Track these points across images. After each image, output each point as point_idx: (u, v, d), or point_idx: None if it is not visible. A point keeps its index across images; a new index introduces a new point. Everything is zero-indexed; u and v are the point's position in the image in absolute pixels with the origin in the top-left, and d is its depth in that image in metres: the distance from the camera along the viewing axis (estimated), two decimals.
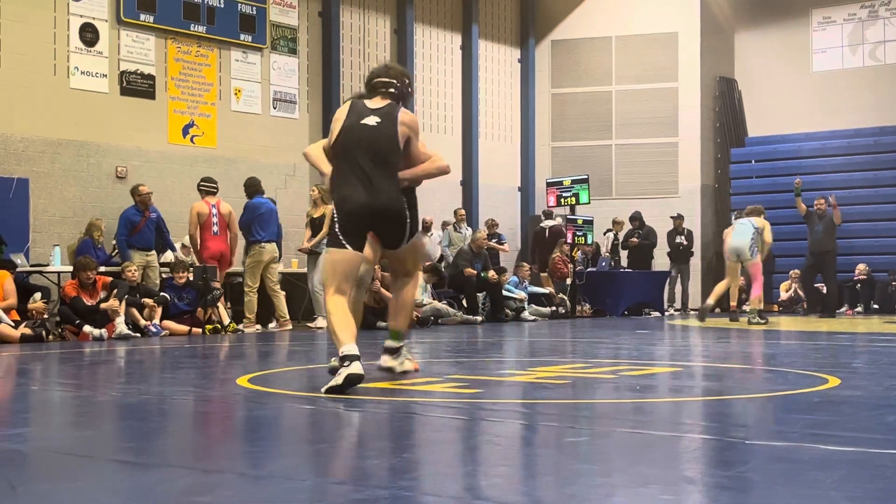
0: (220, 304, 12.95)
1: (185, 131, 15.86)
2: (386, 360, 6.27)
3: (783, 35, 22.87)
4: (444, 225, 18.55)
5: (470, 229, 18.12)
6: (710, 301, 15.13)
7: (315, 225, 14.04)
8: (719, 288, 15.23)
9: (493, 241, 18.08)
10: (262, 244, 13.57)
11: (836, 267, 17.91)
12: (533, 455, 3.79)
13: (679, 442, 3.87)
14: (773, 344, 10.64)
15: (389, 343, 6.24)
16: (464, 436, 4.11)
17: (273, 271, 13.72)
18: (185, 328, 12.40)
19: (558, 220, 19.08)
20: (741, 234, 14.83)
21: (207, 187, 13.62)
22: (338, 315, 5.59)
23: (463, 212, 18.50)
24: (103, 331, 11.33)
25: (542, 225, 19.18)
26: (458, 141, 20.82)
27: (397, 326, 6.24)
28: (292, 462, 3.50)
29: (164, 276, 13.46)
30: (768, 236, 14.92)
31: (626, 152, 22.38)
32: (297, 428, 4.46)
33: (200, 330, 12.47)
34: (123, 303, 11.70)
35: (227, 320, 12.93)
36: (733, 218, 15.15)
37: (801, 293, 20.37)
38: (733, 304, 15.46)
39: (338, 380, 5.31)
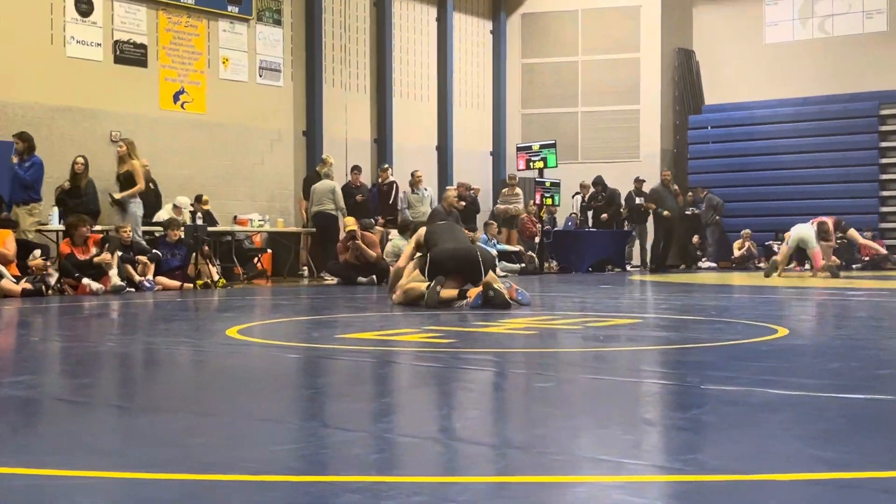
0: (209, 261, 12.90)
1: (176, 98, 15.72)
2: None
3: (738, 9, 22.85)
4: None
5: (428, 190, 17.83)
6: (779, 266, 15.63)
7: (123, 180, 12.92)
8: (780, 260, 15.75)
9: (461, 202, 17.84)
10: (40, 204, 12.32)
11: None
12: (503, 399, 3.81)
13: (639, 387, 3.90)
14: (726, 297, 10.72)
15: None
16: (439, 382, 4.12)
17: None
18: (177, 283, 12.35)
19: (392, 178, 17.65)
20: (808, 229, 15.27)
21: None
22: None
23: (420, 174, 18.08)
24: (100, 285, 11.27)
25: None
26: (433, 108, 20.73)
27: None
28: (280, 406, 3.50)
29: (157, 234, 13.38)
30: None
31: (591, 119, 22.37)
32: (283, 375, 4.46)
33: (191, 285, 12.42)
34: (116, 256, 11.63)
35: (216, 277, 12.88)
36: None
37: (753, 250, 20.51)
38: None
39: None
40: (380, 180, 17.47)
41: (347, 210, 15.98)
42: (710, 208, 20.95)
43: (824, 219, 15.75)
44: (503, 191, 19.56)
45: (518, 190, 19.29)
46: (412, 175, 17.76)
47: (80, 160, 13.03)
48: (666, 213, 19.42)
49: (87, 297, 10.86)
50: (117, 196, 12.91)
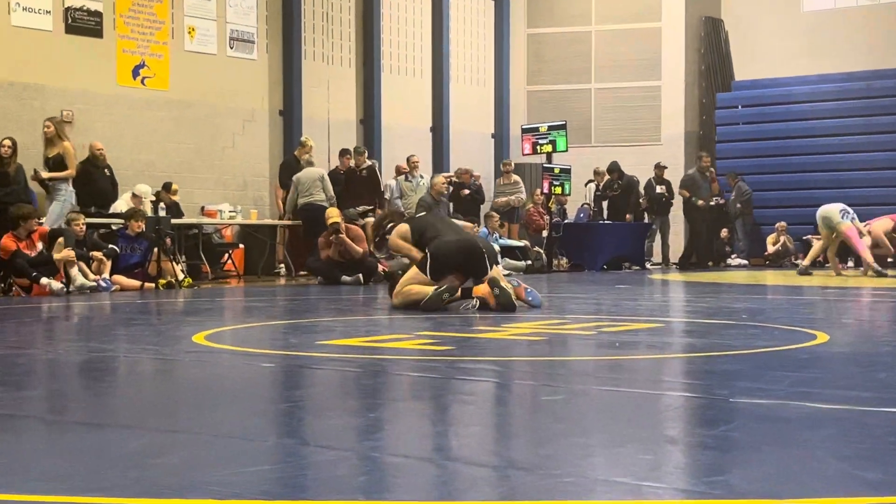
0: (172, 258, 12.89)
1: (136, 73, 15.70)
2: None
3: None
4: (398, 171, 17.96)
5: (424, 177, 17.77)
6: (806, 262, 15.91)
7: (53, 165, 12.84)
8: (814, 250, 16.06)
9: (464, 190, 17.87)
10: None
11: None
12: (507, 414, 3.81)
13: (659, 400, 3.90)
14: (758, 299, 10.73)
15: None
16: (434, 394, 4.12)
17: None
18: (136, 283, 12.33)
19: (370, 162, 17.16)
20: (831, 204, 15.40)
21: None
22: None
23: (417, 159, 17.98)
24: (61, 284, 11.22)
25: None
26: (427, 84, 20.72)
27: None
28: (252, 422, 3.50)
29: (113, 227, 13.37)
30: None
31: (606, 97, 22.37)
32: (257, 387, 4.46)
33: (153, 285, 12.41)
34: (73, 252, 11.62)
35: (181, 276, 12.86)
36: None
37: (789, 245, 20.52)
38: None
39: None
40: (354, 165, 16.79)
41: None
42: (737, 197, 20.96)
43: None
44: (497, 180, 19.42)
45: (516, 177, 19.16)
46: (408, 160, 17.73)
47: (7, 142, 12.62)
48: (700, 202, 19.32)
49: (39, 298, 10.84)
50: (44, 175, 12.73)
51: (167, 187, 14.76)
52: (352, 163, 16.55)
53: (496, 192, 19.19)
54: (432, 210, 15.26)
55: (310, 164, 15.64)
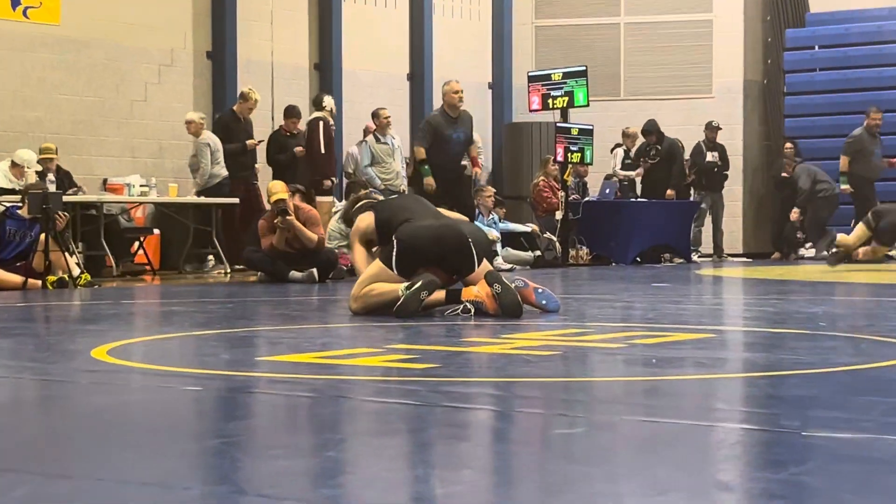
0: (66, 248, 12.86)
1: (16, 1, 15.65)
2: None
3: None
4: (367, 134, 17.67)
5: (397, 138, 17.52)
6: None
7: None
8: None
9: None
10: None
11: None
12: (508, 453, 3.82)
13: (710, 434, 3.92)
14: (841, 301, 10.75)
15: None
16: (412, 427, 4.13)
17: None
18: (18, 279, 12.29)
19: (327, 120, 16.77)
20: None
21: None
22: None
23: (388, 114, 17.73)
24: None
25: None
26: (404, 18, 20.69)
27: None
28: (172, 464, 3.50)
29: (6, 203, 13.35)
30: None
31: (639, 34, 22.36)
32: (178, 418, 4.46)
33: (39, 283, 12.37)
34: None
35: (76, 270, 12.81)
36: None
37: None
38: None
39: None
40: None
41: (278, 170, 15.88)
42: (803, 172, 20.72)
43: None
44: None
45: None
46: (376, 116, 17.53)
47: None
48: (845, 187, 18.94)
49: None
50: None
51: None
52: (317, 115, 16.32)
53: None
54: (439, 134, 15.28)
55: (247, 123, 15.55)
